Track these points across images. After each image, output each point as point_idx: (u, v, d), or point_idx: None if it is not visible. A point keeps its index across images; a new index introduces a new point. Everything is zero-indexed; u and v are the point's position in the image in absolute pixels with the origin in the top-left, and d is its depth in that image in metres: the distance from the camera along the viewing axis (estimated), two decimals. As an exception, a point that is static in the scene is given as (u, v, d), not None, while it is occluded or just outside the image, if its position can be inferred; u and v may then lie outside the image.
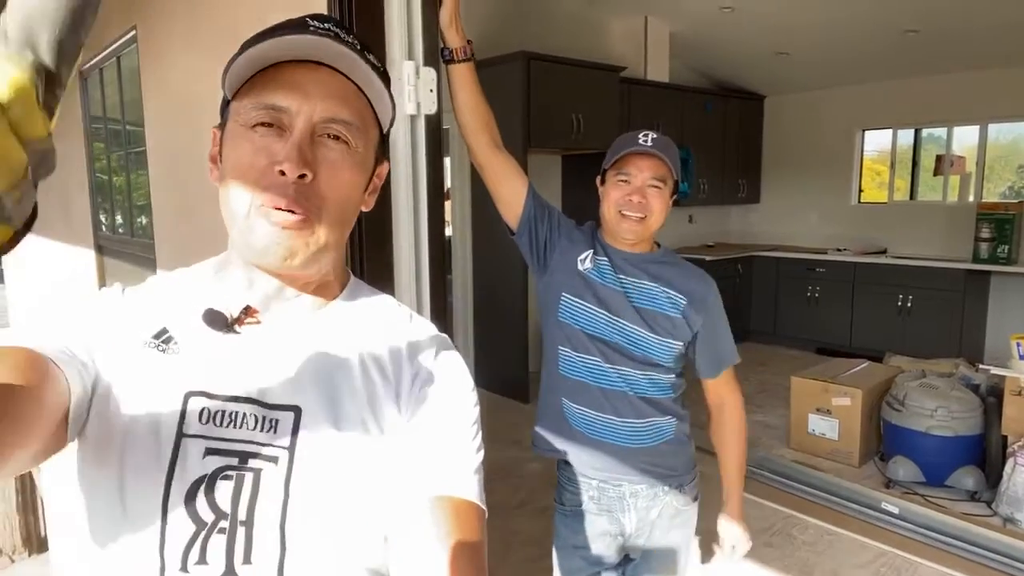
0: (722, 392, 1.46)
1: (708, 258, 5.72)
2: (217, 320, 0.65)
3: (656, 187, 1.33)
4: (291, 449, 0.61)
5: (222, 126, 0.66)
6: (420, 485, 0.62)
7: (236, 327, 0.66)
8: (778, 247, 6.22)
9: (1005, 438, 3.06)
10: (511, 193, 1.41)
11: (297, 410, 0.62)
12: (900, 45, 4.92)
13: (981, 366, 3.38)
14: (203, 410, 0.61)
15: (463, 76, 1.36)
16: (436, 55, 1.36)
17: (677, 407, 1.41)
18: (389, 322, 0.72)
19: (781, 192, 6.55)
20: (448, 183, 5.18)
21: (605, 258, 1.38)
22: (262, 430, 0.61)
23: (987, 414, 3.19)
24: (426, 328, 0.74)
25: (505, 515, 2.92)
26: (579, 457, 1.40)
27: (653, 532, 1.39)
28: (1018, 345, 3.09)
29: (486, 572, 0.61)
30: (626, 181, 1.34)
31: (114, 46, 2.74)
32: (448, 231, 5.66)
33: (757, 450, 3.59)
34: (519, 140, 4.23)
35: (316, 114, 0.62)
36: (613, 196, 1.35)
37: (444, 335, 0.74)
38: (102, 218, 3.47)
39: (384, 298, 0.76)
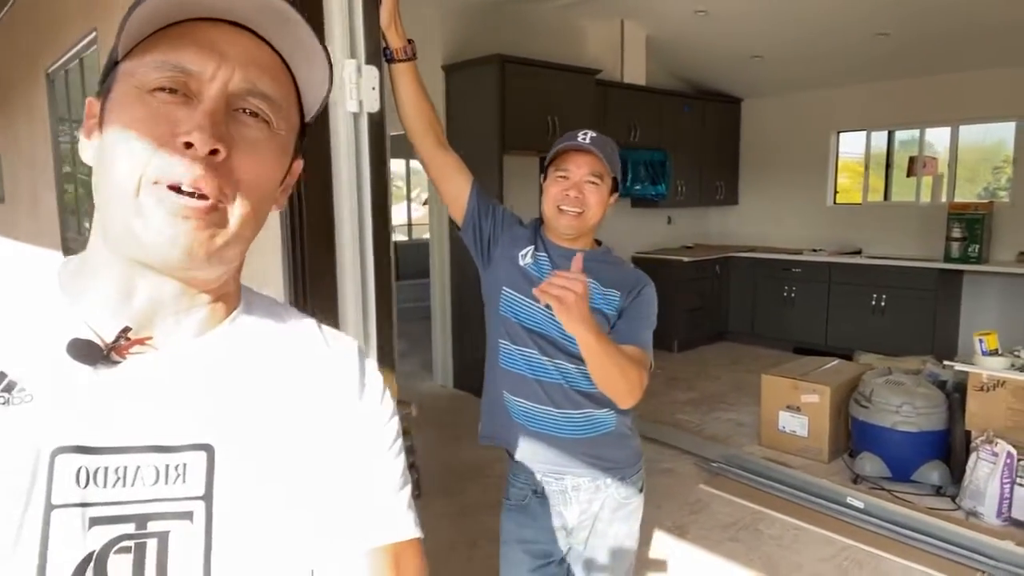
0: None
1: (686, 259, 5.77)
2: (88, 352, 0.50)
3: (593, 183, 1.36)
4: (207, 499, 0.51)
5: (104, 94, 0.53)
6: (354, 537, 0.56)
7: (114, 356, 0.52)
8: (755, 248, 6.28)
9: (968, 433, 3.10)
10: (455, 189, 1.44)
11: (209, 449, 0.52)
12: (872, 48, 4.99)
13: (946, 363, 3.43)
14: (79, 469, 0.48)
15: (405, 76, 1.38)
16: (378, 53, 1.37)
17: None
18: (299, 336, 0.62)
19: (759, 194, 6.61)
20: (427, 189, 5.18)
21: (545, 254, 1.40)
22: (166, 482, 0.50)
23: (951, 410, 3.23)
24: (339, 340, 0.65)
25: (476, 513, 2.92)
26: (522, 450, 1.42)
27: (596, 524, 1.41)
28: (980, 342, 3.14)
29: None
30: (564, 177, 1.37)
31: (76, 48, 2.74)
32: (426, 234, 5.69)
33: (728, 447, 3.62)
34: (495, 142, 4.24)
35: (233, 82, 0.51)
36: (552, 192, 1.38)
37: (358, 343, 0.66)
38: (77, 220, 3.46)
39: (286, 307, 0.65)
